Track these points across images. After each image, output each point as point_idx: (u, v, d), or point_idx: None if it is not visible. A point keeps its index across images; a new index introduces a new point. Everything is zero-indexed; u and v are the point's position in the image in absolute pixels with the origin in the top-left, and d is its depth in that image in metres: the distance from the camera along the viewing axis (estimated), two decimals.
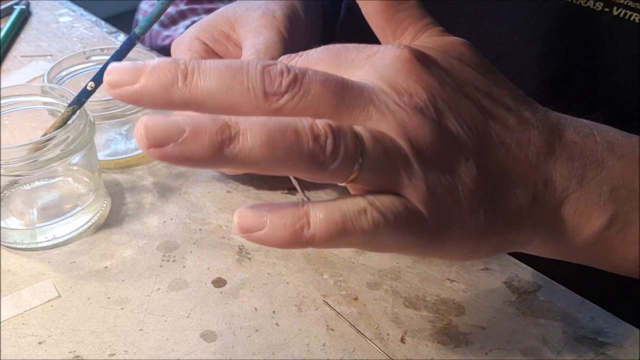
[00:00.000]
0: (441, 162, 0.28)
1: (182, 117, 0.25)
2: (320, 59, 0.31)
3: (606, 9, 0.41)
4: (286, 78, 0.26)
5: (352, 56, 0.30)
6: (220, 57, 0.47)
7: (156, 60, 0.26)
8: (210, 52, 0.47)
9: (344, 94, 0.27)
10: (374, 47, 0.30)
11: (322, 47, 0.31)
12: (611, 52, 0.42)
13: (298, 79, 0.27)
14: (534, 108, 0.32)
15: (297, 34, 0.48)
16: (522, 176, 0.30)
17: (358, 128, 0.27)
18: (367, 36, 0.34)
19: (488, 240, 0.30)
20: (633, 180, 0.32)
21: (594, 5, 0.41)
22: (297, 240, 0.26)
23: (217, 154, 0.25)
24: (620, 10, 0.40)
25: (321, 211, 0.26)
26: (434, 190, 0.28)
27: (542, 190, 0.31)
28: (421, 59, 0.29)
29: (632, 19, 0.40)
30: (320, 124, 0.26)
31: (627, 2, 0.40)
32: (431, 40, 0.32)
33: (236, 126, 0.25)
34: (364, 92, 0.28)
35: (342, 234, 0.27)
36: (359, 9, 0.33)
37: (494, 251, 0.31)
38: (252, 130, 0.25)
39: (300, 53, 0.31)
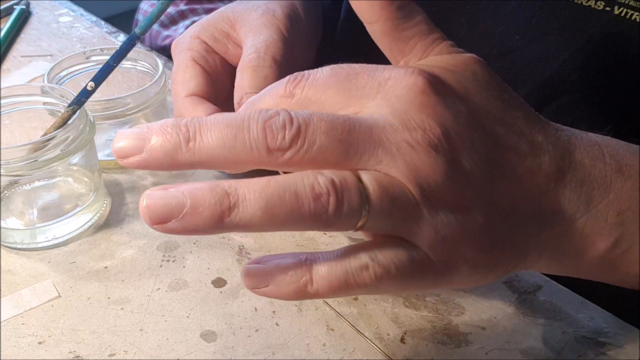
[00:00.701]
0: (452, 202, 0.28)
1: (182, 190, 0.25)
2: (328, 85, 0.29)
3: (607, 8, 0.41)
4: (289, 132, 0.26)
5: (363, 82, 0.28)
6: (221, 56, 0.47)
7: (158, 125, 0.26)
8: (210, 52, 0.47)
9: (351, 139, 0.26)
10: (386, 71, 0.29)
11: (330, 69, 0.29)
12: (612, 51, 0.42)
13: (302, 131, 0.26)
14: (546, 129, 0.31)
15: (298, 33, 0.48)
16: (531, 205, 0.30)
17: (365, 177, 0.27)
18: (368, 37, 0.34)
19: (495, 272, 0.31)
20: None
21: (595, 4, 0.41)
22: (301, 295, 0.27)
23: (218, 224, 0.25)
24: (621, 9, 0.40)
25: (324, 268, 0.27)
26: (443, 233, 0.28)
27: (550, 218, 0.30)
28: (436, 87, 0.28)
29: (633, 18, 0.40)
30: (323, 181, 0.26)
31: (629, 2, 0.39)
32: (442, 59, 0.31)
33: (235, 194, 0.25)
34: (372, 134, 0.27)
35: (344, 289, 0.27)
36: None
37: (500, 277, 0.32)
38: (251, 199, 0.25)
39: (307, 74, 0.29)
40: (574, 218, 0.31)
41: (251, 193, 0.25)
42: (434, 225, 0.27)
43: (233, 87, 0.44)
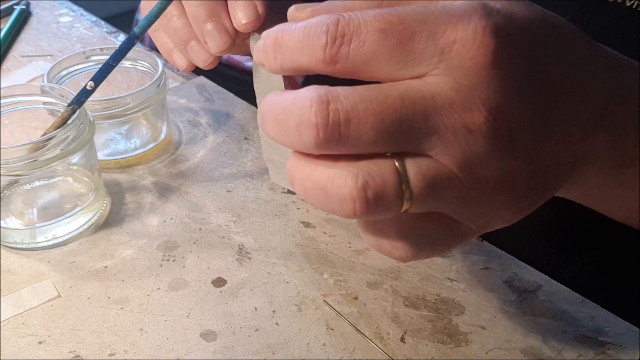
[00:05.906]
0: (500, 178, 0.27)
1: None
2: (378, 52, 0.25)
3: (619, 0, 0.40)
4: (332, 124, 0.25)
5: (422, 46, 0.25)
6: None
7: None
8: None
9: (403, 126, 0.25)
10: (449, 30, 0.25)
11: (376, 26, 0.25)
12: (624, 43, 0.42)
13: (342, 126, 0.25)
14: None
15: None
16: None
17: (410, 170, 0.25)
18: None
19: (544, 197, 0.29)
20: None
21: None
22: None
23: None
24: (633, 1, 0.40)
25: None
26: (485, 210, 0.27)
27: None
28: (508, 53, 0.25)
29: None
30: (360, 182, 0.25)
31: None
32: None
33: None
34: (428, 120, 0.25)
35: None
36: None
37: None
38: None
39: (349, 33, 0.25)
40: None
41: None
42: (479, 204, 0.27)
43: None
